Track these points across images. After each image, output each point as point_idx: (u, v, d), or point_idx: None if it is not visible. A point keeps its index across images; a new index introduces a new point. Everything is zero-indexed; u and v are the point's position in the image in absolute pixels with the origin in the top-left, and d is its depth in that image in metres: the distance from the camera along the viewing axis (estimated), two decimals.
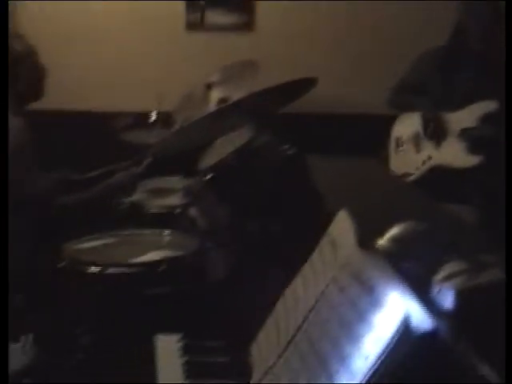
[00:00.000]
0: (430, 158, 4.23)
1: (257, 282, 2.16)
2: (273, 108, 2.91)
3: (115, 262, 2.55)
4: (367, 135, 4.23)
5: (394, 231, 1.44)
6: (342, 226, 1.62)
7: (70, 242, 2.73)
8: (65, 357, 2.53)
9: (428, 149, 4.25)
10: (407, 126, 4.38)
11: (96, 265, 2.50)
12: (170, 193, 3.64)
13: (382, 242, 1.44)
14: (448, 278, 1.30)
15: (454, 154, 4.16)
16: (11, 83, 3.43)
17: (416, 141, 4.29)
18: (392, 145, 4.43)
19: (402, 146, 4.40)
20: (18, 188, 3.33)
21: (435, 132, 4.20)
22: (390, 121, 4.44)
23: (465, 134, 4.13)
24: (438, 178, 4.13)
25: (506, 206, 1.10)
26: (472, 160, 4.08)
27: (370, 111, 4.75)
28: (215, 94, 4.17)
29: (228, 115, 2.78)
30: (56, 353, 2.52)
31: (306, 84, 2.78)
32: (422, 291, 1.30)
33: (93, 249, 2.72)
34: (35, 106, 3.73)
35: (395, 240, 1.43)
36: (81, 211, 3.46)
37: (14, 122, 3.40)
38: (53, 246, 2.72)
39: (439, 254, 1.34)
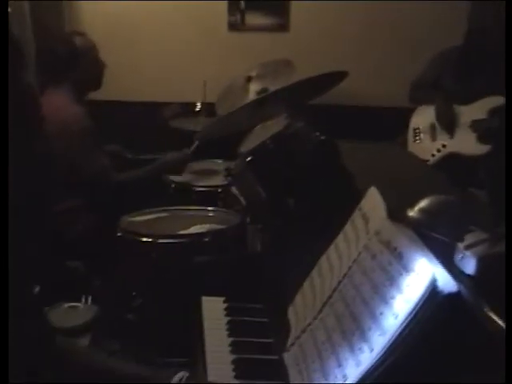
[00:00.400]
0: (444, 146, 4.22)
1: (293, 252, 2.14)
2: (306, 98, 2.89)
3: (165, 233, 2.55)
4: (389, 126, 4.19)
5: (422, 203, 1.43)
6: (373, 201, 1.60)
7: (125, 215, 2.74)
8: (119, 316, 2.54)
9: (442, 138, 4.24)
10: (424, 117, 4.37)
11: (148, 235, 2.50)
12: (213, 174, 3.63)
13: (412, 213, 1.43)
14: (470, 246, 1.28)
15: (466, 143, 4.15)
16: (72, 75, 3.45)
17: (432, 131, 4.28)
18: (410, 134, 4.41)
19: (419, 135, 4.38)
20: (80, 168, 3.34)
21: (449, 123, 4.20)
22: (408, 113, 4.42)
23: (475, 125, 4.13)
24: (452, 165, 4.10)
25: (506, 207, 1.08)
26: (482, 148, 4.07)
27: (391, 104, 4.72)
28: (254, 87, 4.16)
29: (266, 105, 2.77)
30: (112, 312, 2.53)
31: (335, 77, 2.76)
32: (447, 257, 1.28)
33: (146, 222, 2.72)
34: (94, 96, 3.75)
35: (424, 211, 1.41)
36: (135, 189, 3.47)
37: (75, 109, 3.41)
38: (111, 219, 2.73)
39: (463, 224, 1.32)
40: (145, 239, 2.50)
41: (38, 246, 2.54)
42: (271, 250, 2.35)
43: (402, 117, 4.37)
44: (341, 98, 4.12)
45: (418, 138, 4.37)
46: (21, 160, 1.29)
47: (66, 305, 2.46)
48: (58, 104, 3.34)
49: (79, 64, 3.47)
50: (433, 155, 4.24)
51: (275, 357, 1.75)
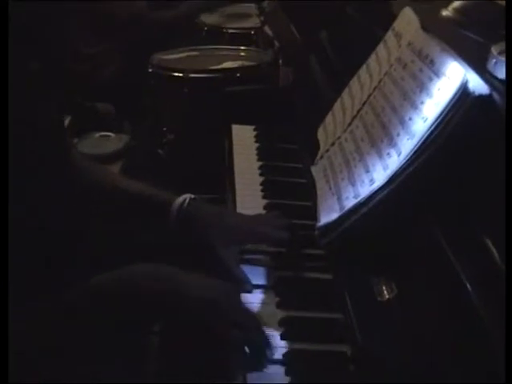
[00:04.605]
0: None
1: (326, 87, 2.11)
2: None
3: (197, 69, 2.53)
4: None
5: (457, 3, 1.38)
6: (406, 19, 1.56)
7: (157, 54, 2.72)
8: (150, 151, 2.56)
9: None
10: None
11: (180, 70, 2.49)
12: (246, 17, 3.57)
13: (446, 12, 1.39)
14: (504, 52, 1.24)
15: None
16: None
17: None
18: None
19: None
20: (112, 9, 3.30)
21: None
22: None
23: None
24: None
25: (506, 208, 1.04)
26: None
27: None
28: None
29: None
30: (143, 145, 2.55)
31: None
32: (479, 62, 1.24)
33: (177, 59, 2.70)
34: None
35: (458, 10, 1.37)
36: (169, 29, 3.43)
37: None
38: (142, 58, 2.71)
39: (497, 27, 1.27)
40: (176, 74, 2.48)
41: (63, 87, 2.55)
42: (303, 87, 2.33)
43: None
44: None
45: None
46: None
47: (98, 134, 2.47)
48: None
49: None
50: None
51: (304, 180, 1.76)
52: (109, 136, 2.47)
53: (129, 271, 1.21)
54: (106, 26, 3.26)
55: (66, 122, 2.41)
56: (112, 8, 3.27)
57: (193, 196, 1.51)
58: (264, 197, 1.72)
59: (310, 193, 1.62)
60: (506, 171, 1.01)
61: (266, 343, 1.20)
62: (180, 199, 1.49)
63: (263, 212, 1.64)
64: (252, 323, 1.21)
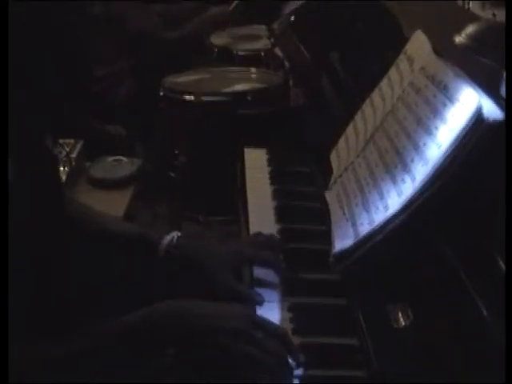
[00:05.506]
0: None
1: (337, 108, 2.12)
2: None
3: (208, 91, 2.54)
4: None
5: (469, 28, 1.38)
6: (418, 43, 1.56)
7: (167, 76, 2.73)
8: (162, 174, 2.57)
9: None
10: None
11: (192, 93, 2.50)
12: (256, 38, 3.58)
13: (460, 38, 1.39)
14: None
15: None
16: None
17: None
18: None
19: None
20: (125, 24, 3.31)
21: None
22: None
23: None
24: None
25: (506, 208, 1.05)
26: None
27: None
28: None
29: None
30: (155, 169, 2.56)
31: None
32: (493, 87, 1.24)
33: (188, 82, 2.71)
34: None
35: (471, 35, 1.37)
36: (179, 50, 3.45)
37: None
38: (153, 80, 2.73)
39: None
40: (188, 97, 2.50)
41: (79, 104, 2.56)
42: (314, 108, 2.33)
43: None
44: None
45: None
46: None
47: (110, 158, 2.48)
48: None
49: None
50: None
51: (317, 204, 1.75)
52: (121, 160, 2.47)
53: (153, 311, 1.25)
54: (118, 45, 3.28)
55: (79, 146, 2.42)
56: (125, 21, 3.29)
57: (179, 234, 1.55)
58: (277, 221, 1.72)
59: (323, 217, 1.62)
60: None
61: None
62: (167, 239, 1.53)
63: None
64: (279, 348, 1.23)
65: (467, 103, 1.21)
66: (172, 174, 2.54)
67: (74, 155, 2.38)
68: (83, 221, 1.57)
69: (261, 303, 1.41)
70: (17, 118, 1.17)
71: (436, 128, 1.26)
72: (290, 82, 2.64)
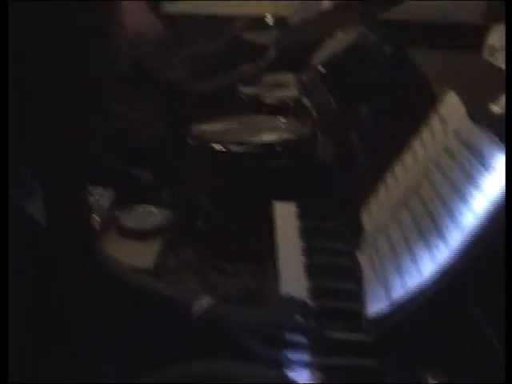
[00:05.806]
0: None
1: (364, 160, 2.13)
2: (380, 9, 2.85)
3: (237, 141, 2.55)
4: (463, 42, 4.08)
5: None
6: (451, 103, 1.57)
7: (196, 124, 2.75)
8: (189, 223, 2.57)
9: None
10: (501, 36, 4.23)
11: (220, 143, 2.51)
12: (284, 87, 3.59)
13: (497, 108, 1.40)
14: None
15: None
16: None
17: None
18: (486, 52, 4.28)
19: (494, 54, 4.25)
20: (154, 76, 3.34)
21: None
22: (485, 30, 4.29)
23: None
24: None
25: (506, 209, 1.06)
26: None
27: (466, 20, 4.59)
28: (326, 3, 4.07)
29: (339, 14, 2.73)
30: (182, 219, 2.56)
31: None
32: None
33: (217, 131, 2.73)
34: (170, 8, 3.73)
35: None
36: (208, 99, 3.46)
37: (153, 18, 3.40)
38: (182, 128, 2.75)
39: None
40: (216, 147, 2.51)
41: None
42: (342, 158, 2.34)
43: (477, 34, 4.24)
44: (415, 13, 4.01)
45: (493, 56, 4.24)
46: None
47: (140, 207, 2.49)
48: (137, 12, 3.32)
49: None
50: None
51: (348, 262, 1.75)
52: (150, 209, 2.48)
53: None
54: (145, 90, 3.30)
55: (108, 194, 2.43)
56: (152, 68, 3.31)
57: (211, 300, 1.56)
58: (308, 279, 1.72)
59: (354, 275, 1.62)
60: None
61: None
62: (197, 305, 1.54)
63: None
64: None
65: (502, 171, 1.21)
66: (199, 224, 2.54)
67: (103, 203, 2.39)
68: (112, 274, 1.58)
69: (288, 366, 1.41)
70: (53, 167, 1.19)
71: (471, 195, 1.26)
72: (318, 133, 2.65)
